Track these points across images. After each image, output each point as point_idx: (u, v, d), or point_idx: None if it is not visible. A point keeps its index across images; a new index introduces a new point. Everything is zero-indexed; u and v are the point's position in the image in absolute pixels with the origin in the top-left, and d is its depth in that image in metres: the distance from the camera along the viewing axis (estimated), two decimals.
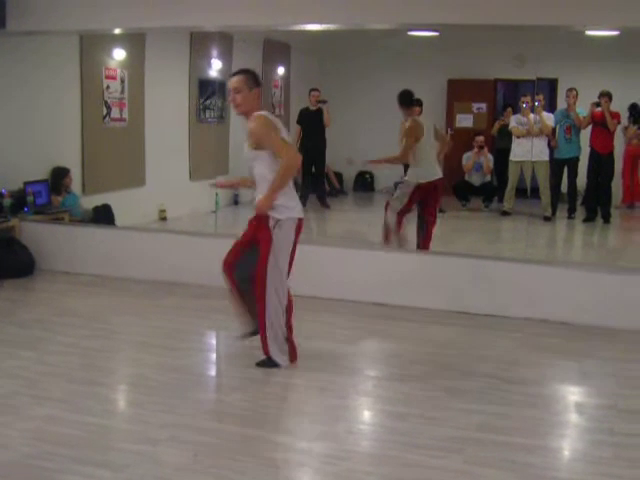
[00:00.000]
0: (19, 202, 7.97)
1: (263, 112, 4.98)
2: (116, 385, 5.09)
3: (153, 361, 5.28)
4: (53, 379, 4.90)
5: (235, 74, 5.02)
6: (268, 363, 5.10)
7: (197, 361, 5.45)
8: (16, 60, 7.96)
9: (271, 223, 4.93)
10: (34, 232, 7.89)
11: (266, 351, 5.09)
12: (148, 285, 7.36)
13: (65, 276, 7.67)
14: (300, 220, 5.07)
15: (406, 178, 7.85)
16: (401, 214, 7.74)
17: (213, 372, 5.41)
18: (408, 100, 7.70)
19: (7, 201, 7.87)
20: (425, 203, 7.76)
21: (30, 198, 8.01)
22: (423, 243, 7.72)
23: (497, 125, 10.26)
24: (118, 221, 8.67)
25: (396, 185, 8.36)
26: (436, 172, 7.73)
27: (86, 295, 7.08)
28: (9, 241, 7.67)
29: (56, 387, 4.77)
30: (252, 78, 5.00)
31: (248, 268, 5.06)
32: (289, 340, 5.17)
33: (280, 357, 5.12)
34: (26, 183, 8.03)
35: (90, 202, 8.75)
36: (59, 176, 8.49)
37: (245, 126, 5.02)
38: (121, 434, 4.23)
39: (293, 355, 5.20)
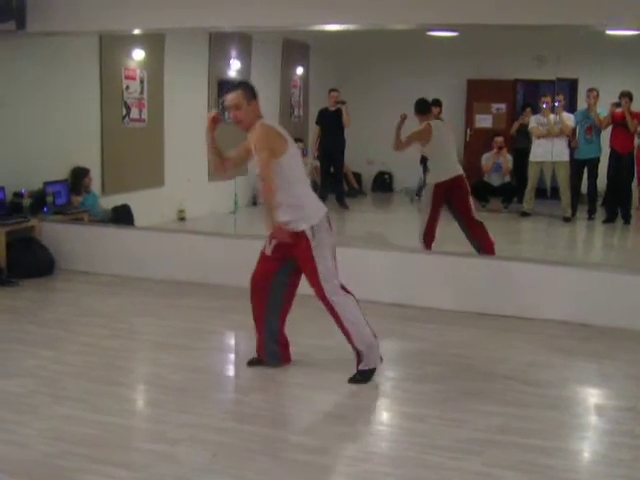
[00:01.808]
0: (39, 202, 7.99)
1: (265, 122, 4.80)
2: (135, 385, 5.10)
3: (172, 361, 5.29)
4: (72, 378, 4.92)
5: (230, 90, 4.85)
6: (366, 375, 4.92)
7: (216, 361, 5.46)
8: (36, 61, 7.99)
9: (308, 234, 4.70)
10: (54, 232, 7.92)
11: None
12: (167, 285, 7.37)
13: (85, 276, 7.70)
14: (326, 212, 4.87)
15: (426, 182, 7.84)
16: (430, 224, 7.46)
17: (232, 372, 5.42)
18: (421, 109, 7.65)
19: (27, 201, 7.90)
20: (451, 204, 7.58)
21: (50, 198, 8.04)
22: (483, 248, 7.29)
23: (516, 125, 10.24)
24: (137, 221, 8.71)
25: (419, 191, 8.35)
26: (453, 169, 7.58)
27: (106, 295, 7.11)
28: (29, 241, 7.70)
29: (75, 386, 4.79)
30: (249, 90, 4.81)
31: (282, 297, 4.96)
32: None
33: (375, 360, 4.94)
34: (46, 183, 8.05)
35: (109, 202, 8.79)
36: (79, 176, 8.52)
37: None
38: (140, 434, 4.25)
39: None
